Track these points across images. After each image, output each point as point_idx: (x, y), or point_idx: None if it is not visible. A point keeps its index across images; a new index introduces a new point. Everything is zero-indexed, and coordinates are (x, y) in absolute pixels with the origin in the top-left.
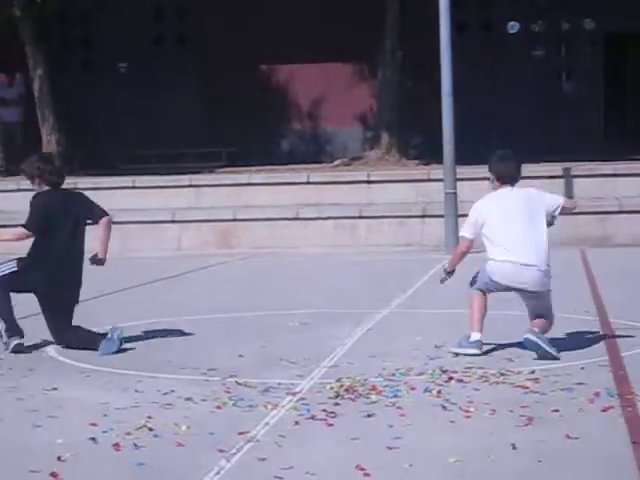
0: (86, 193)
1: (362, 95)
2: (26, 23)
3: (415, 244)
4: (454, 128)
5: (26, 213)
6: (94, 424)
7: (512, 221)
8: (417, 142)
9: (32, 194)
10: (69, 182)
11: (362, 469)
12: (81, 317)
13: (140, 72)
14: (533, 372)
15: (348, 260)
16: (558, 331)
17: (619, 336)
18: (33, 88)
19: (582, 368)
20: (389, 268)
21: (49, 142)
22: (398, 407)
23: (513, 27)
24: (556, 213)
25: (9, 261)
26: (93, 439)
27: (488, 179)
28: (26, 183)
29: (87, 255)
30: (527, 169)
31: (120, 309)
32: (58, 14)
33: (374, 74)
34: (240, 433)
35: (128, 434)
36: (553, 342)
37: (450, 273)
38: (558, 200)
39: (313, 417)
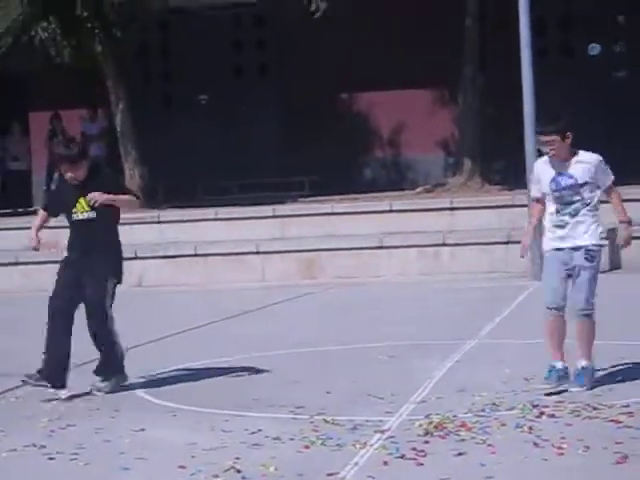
0: (170, 225)
1: (443, 121)
2: (107, 59)
3: (499, 271)
4: (536, 152)
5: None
6: (182, 467)
7: None
8: (500, 168)
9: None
10: (152, 215)
11: None
12: (167, 352)
13: (220, 104)
14: (627, 406)
15: (432, 288)
16: None
17: None
18: (115, 123)
19: None
20: (474, 296)
21: (132, 176)
22: (489, 445)
23: (593, 49)
24: None
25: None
26: None
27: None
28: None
29: None
30: (628, 191)
31: (204, 344)
32: (138, 49)
33: (455, 100)
34: (329, 474)
35: (216, 476)
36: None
37: None
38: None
39: (402, 456)
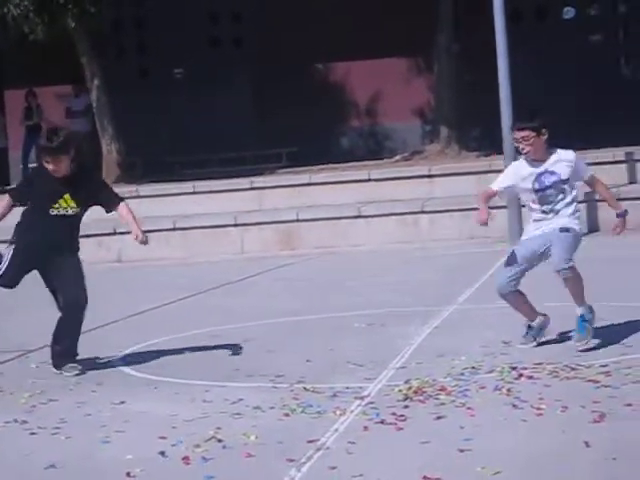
0: (148, 200)
1: (419, 90)
2: (81, 34)
3: (479, 236)
4: (513, 118)
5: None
6: (163, 437)
7: None
8: (476, 134)
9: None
10: (131, 190)
11: (434, 474)
12: (147, 326)
13: (196, 77)
14: (605, 365)
15: (412, 256)
16: (627, 320)
17: None
18: (91, 99)
19: None
20: (454, 262)
21: (109, 152)
22: (468, 407)
23: (568, 12)
24: None
25: None
26: (162, 453)
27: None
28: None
29: None
30: (590, 154)
31: (185, 316)
32: (112, 23)
33: (430, 68)
34: (309, 441)
35: (197, 446)
36: (619, 332)
37: None
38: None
39: (382, 422)
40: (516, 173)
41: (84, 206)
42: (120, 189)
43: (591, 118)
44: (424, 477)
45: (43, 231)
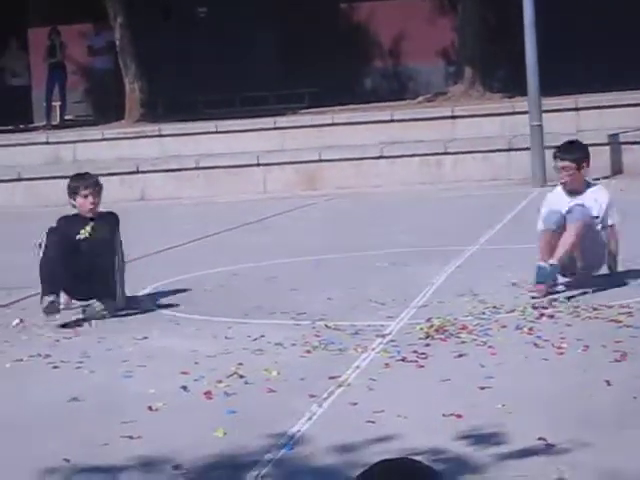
0: (171, 139)
1: (443, 30)
2: None
3: (502, 178)
4: (537, 59)
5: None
6: (185, 372)
7: None
8: (501, 75)
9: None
10: (153, 129)
11: (454, 411)
12: (170, 263)
13: (220, 16)
14: (627, 306)
15: (434, 197)
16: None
17: None
18: (114, 37)
19: None
20: (476, 204)
21: (132, 90)
22: (489, 346)
23: None
24: None
25: None
26: (184, 388)
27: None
28: (110, 132)
29: None
30: (615, 96)
31: (208, 255)
32: None
33: (454, 8)
34: (331, 377)
35: (219, 382)
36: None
37: None
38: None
39: (404, 359)
40: (550, 206)
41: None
42: (143, 128)
43: (617, 58)
44: (444, 414)
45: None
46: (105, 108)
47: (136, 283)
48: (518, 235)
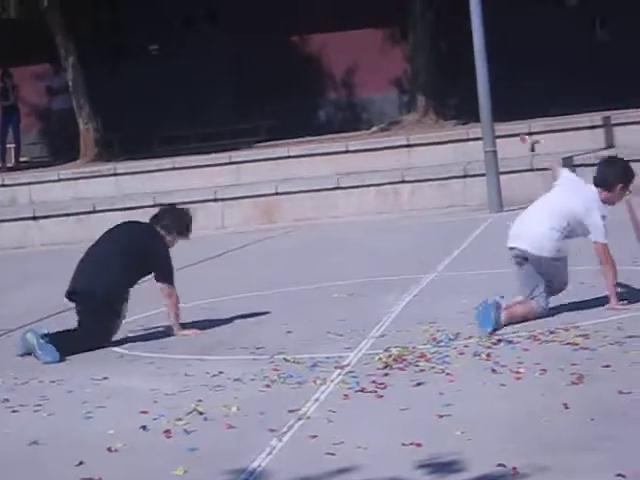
0: (127, 177)
1: (395, 59)
2: (54, 12)
3: (458, 205)
4: (489, 85)
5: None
6: (144, 412)
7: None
8: (454, 102)
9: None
10: (109, 168)
11: (414, 440)
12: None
13: (172, 53)
14: (583, 328)
15: (392, 226)
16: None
17: None
18: (67, 78)
19: (632, 320)
20: (433, 231)
21: (87, 130)
22: (448, 373)
23: None
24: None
25: None
26: (144, 427)
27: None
28: (66, 173)
29: None
30: (568, 120)
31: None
32: (86, 1)
33: (406, 37)
34: (290, 411)
35: (179, 420)
36: (598, 295)
37: None
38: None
39: (362, 390)
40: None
41: None
42: (98, 167)
43: (567, 82)
44: (404, 444)
45: None
46: (63, 148)
47: None
48: (475, 261)
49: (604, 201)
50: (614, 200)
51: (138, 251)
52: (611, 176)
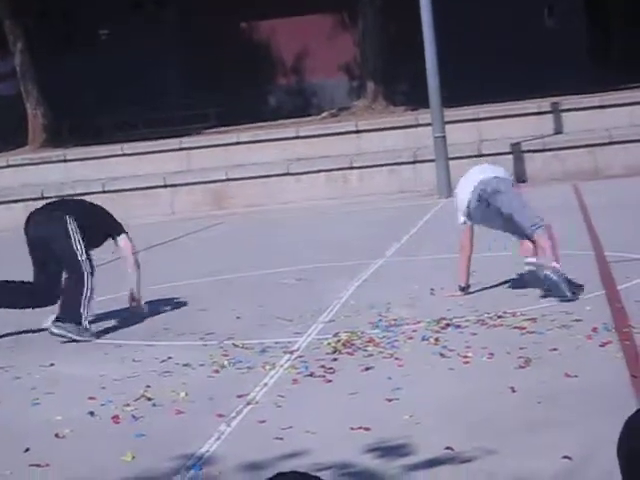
0: (76, 164)
1: (345, 45)
2: None
3: (408, 190)
4: (438, 71)
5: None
6: (92, 398)
7: None
8: (403, 88)
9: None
10: (58, 154)
11: (362, 424)
12: None
13: (121, 38)
14: (530, 312)
15: (341, 212)
16: None
17: (615, 269)
18: (15, 63)
19: (579, 304)
20: (383, 217)
21: (35, 116)
22: (396, 358)
23: None
24: None
25: None
26: (91, 413)
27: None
28: (15, 159)
29: None
30: (516, 106)
31: (115, 278)
32: None
33: (355, 23)
34: (239, 396)
35: (127, 405)
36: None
37: None
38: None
39: (311, 374)
40: None
41: None
42: (47, 153)
43: (515, 68)
44: (352, 428)
45: None
46: (9, 134)
47: (42, 310)
48: (424, 246)
49: None
50: None
51: None
52: None
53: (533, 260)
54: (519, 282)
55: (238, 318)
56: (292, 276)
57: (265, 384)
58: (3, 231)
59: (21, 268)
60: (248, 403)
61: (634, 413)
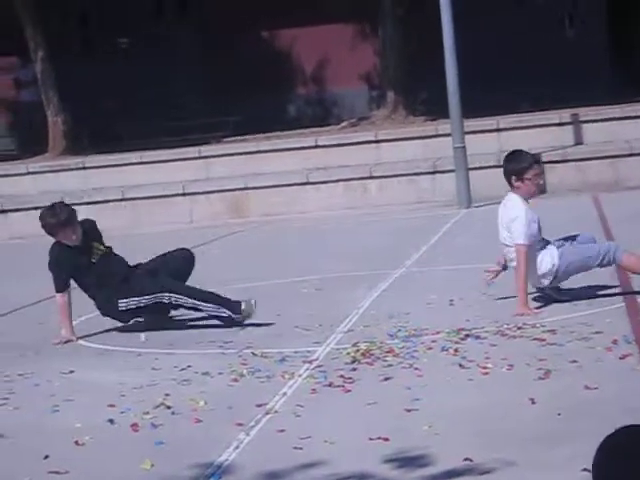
0: (95, 171)
1: (366, 55)
2: (24, 6)
3: (427, 201)
4: (459, 81)
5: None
6: (112, 405)
7: None
8: (424, 98)
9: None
10: (77, 162)
11: (381, 435)
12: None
13: (141, 45)
14: (549, 324)
15: (360, 221)
16: (573, 280)
17: (635, 281)
18: (35, 71)
19: (599, 316)
20: (402, 227)
21: (55, 123)
22: (415, 368)
23: None
24: None
25: None
26: (111, 421)
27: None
28: (34, 166)
29: None
30: (536, 117)
31: None
32: None
33: (376, 33)
34: (258, 405)
35: (146, 413)
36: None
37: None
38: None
39: (330, 384)
40: (529, 217)
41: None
42: (67, 160)
43: (537, 80)
44: (371, 438)
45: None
46: (30, 141)
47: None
48: (443, 257)
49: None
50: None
51: None
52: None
53: None
54: (538, 294)
55: (257, 327)
56: (311, 285)
57: (284, 393)
58: (21, 238)
59: (37, 277)
60: (267, 412)
61: (606, 437)
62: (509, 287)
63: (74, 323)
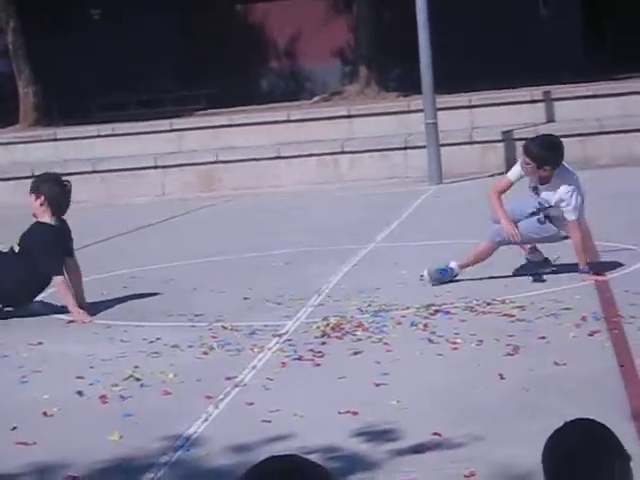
0: (67, 143)
1: (339, 30)
2: None
3: (398, 176)
4: (431, 57)
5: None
6: (80, 377)
7: None
8: (396, 74)
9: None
10: (48, 133)
11: (350, 409)
12: None
13: (112, 18)
14: (518, 300)
15: (332, 196)
16: (545, 256)
17: (604, 259)
18: (7, 41)
19: (568, 293)
20: (373, 202)
21: (26, 94)
22: (385, 343)
23: None
24: None
25: None
26: (80, 392)
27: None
28: (5, 137)
29: None
30: (508, 94)
31: (104, 259)
32: None
33: (349, 8)
34: (227, 378)
35: (115, 385)
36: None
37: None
38: None
39: (300, 358)
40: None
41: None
42: (38, 132)
43: (509, 57)
44: (340, 412)
45: None
46: (1, 112)
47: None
48: (414, 233)
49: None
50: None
51: None
52: None
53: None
54: (511, 269)
55: (227, 301)
56: (281, 260)
57: (254, 367)
58: None
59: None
60: (236, 385)
61: (556, 430)
62: (480, 265)
63: (41, 297)
